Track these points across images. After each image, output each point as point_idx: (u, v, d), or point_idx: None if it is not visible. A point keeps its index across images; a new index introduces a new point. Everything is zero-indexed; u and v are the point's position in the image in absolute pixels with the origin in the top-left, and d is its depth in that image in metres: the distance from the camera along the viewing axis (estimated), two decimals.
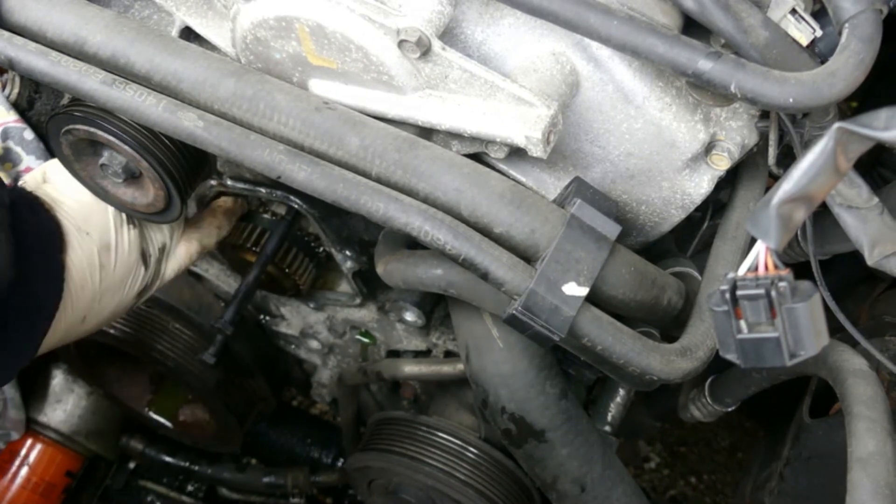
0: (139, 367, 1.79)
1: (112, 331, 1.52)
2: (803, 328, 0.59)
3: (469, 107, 0.85)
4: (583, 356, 0.91)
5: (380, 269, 1.05)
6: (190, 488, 2.12)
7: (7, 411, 1.77)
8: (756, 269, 0.61)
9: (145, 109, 0.82)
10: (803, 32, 0.82)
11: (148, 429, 1.94)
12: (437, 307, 1.36)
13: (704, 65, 0.75)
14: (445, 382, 1.47)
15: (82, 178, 0.97)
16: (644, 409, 1.71)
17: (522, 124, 0.82)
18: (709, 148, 0.93)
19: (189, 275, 1.57)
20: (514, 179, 0.97)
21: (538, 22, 0.86)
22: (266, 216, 1.30)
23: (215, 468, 2.05)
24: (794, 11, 0.82)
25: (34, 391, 1.86)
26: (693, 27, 0.83)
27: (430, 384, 1.54)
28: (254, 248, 1.29)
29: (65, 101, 0.95)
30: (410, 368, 1.44)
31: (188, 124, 0.82)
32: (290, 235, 1.31)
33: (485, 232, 0.82)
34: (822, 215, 0.97)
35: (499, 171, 0.95)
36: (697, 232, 1.21)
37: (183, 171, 0.95)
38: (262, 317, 1.65)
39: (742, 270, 0.61)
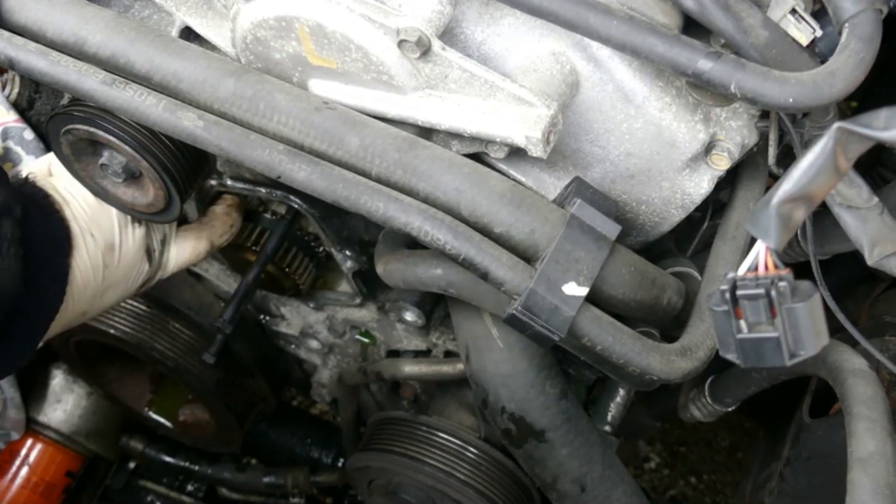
0: (139, 367, 1.79)
1: (112, 331, 1.53)
2: (803, 328, 0.59)
3: (469, 107, 0.85)
4: (583, 356, 0.91)
5: (380, 269, 1.05)
6: (190, 488, 2.12)
7: (7, 411, 1.77)
8: (756, 268, 0.61)
9: (145, 109, 0.82)
10: (803, 32, 0.82)
11: (148, 429, 1.94)
12: (437, 307, 1.36)
13: (704, 65, 0.75)
14: (445, 382, 1.47)
15: (82, 178, 0.97)
16: (644, 409, 1.71)
17: (522, 124, 0.82)
18: (709, 148, 0.93)
19: (189, 275, 1.57)
20: (514, 179, 0.97)
21: (538, 22, 0.86)
22: (266, 216, 1.30)
23: (215, 468, 2.05)
24: (794, 11, 0.82)
25: (34, 391, 1.86)
26: (693, 27, 0.82)
27: (430, 384, 1.54)
28: (254, 248, 1.29)
29: (65, 101, 0.95)
30: (410, 368, 1.43)
31: (188, 124, 0.82)
32: (290, 235, 1.31)
33: (485, 232, 0.82)
34: (822, 215, 0.97)
35: (499, 170, 0.95)
36: (697, 232, 1.21)
37: (183, 171, 0.95)
38: (262, 316, 1.65)
39: (742, 270, 0.61)
